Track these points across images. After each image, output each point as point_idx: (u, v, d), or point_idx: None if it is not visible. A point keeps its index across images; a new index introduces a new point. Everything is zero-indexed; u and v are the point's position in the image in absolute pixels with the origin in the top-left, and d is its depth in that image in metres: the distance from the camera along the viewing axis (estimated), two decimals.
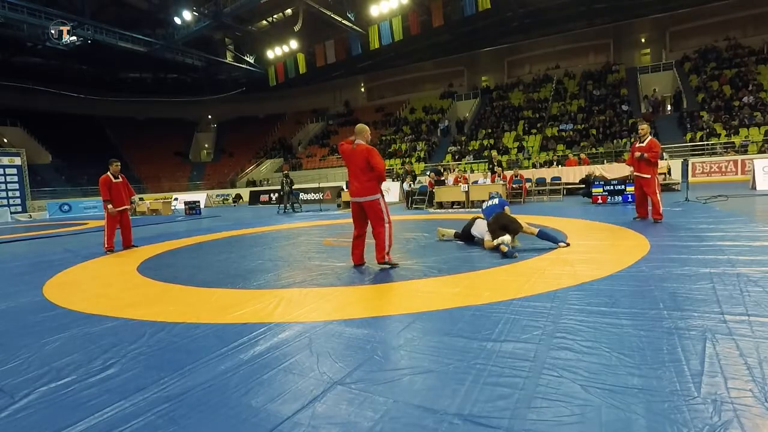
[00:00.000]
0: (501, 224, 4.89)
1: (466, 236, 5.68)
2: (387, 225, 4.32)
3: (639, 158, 6.53)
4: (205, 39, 28.20)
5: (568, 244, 4.80)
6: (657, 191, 6.38)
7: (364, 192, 4.30)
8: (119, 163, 7.30)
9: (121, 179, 7.19)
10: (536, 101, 26.31)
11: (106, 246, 6.94)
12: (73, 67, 30.95)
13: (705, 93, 21.26)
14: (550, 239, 4.85)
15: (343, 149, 4.48)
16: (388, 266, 4.32)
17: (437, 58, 32.80)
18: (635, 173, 6.67)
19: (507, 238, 4.66)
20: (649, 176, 6.46)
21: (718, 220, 6.06)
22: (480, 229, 5.41)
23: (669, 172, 13.39)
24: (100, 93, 34.13)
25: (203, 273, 4.70)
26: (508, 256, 4.40)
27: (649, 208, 6.58)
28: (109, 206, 6.89)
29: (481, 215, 5.58)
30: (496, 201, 5.48)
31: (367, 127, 4.51)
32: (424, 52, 30.98)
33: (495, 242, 4.73)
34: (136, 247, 7.28)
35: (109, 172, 7.04)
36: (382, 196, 4.38)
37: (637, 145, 6.74)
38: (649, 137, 6.58)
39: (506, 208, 5.40)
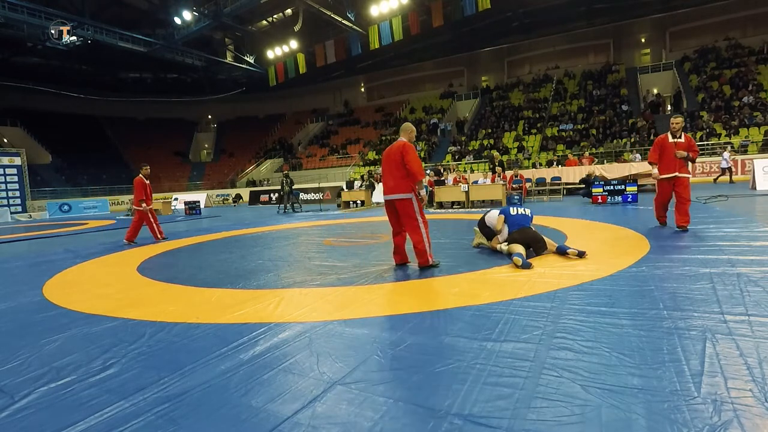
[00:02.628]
0: (525, 241, 4.43)
1: (484, 230, 5.17)
2: (422, 226, 4.19)
3: (682, 157, 5.51)
4: (205, 39, 28.23)
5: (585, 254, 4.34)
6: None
7: (396, 189, 4.20)
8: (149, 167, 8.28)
9: (148, 182, 8.25)
10: (536, 101, 26.33)
11: (160, 236, 8.05)
12: (73, 67, 30.95)
13: (705, 93, 21.28)
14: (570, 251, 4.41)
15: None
16: (431, 267, 4.18)
17: (437, 58, 32.85)
18: (675, 173, 5.58)
19: (521, 249, 4.29)
20: (689, 176, 5.64)
21: (718, 220, 6.06)
22: (491, 219, 4.99)
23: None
24: (100, 93, 34.17)
25: (203, 273, 4.70)
26: (524, 267, 3.94)
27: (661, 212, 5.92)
28: (143, 204, 7.96)
29: (494, 211, 5.10)
30: (528, 212, 4.87)
31: (411, 126, 4.42)
32: (424, 52, 31.00)
33: (509, 251, 4.37)
34: (135, 243, 7.83)
35: (141, 175, 8.04)
36: (416, 195, 4.21)
37: (670, 140, 5.59)
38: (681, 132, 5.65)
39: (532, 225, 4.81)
